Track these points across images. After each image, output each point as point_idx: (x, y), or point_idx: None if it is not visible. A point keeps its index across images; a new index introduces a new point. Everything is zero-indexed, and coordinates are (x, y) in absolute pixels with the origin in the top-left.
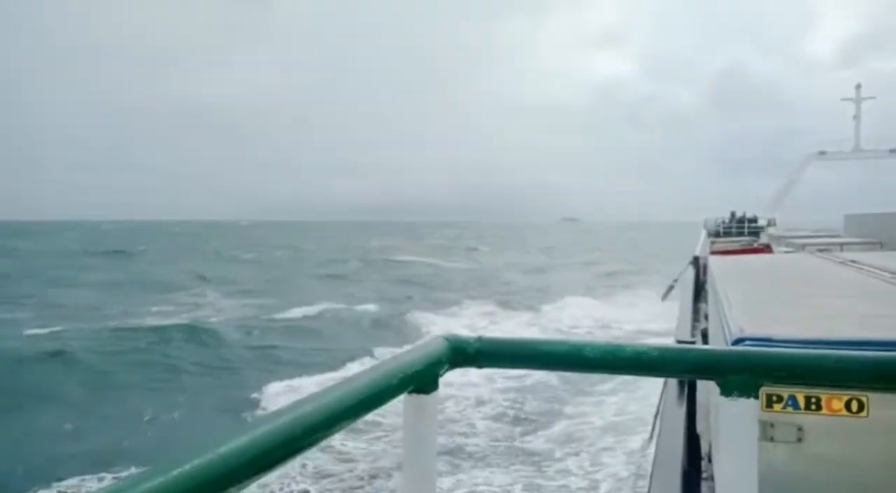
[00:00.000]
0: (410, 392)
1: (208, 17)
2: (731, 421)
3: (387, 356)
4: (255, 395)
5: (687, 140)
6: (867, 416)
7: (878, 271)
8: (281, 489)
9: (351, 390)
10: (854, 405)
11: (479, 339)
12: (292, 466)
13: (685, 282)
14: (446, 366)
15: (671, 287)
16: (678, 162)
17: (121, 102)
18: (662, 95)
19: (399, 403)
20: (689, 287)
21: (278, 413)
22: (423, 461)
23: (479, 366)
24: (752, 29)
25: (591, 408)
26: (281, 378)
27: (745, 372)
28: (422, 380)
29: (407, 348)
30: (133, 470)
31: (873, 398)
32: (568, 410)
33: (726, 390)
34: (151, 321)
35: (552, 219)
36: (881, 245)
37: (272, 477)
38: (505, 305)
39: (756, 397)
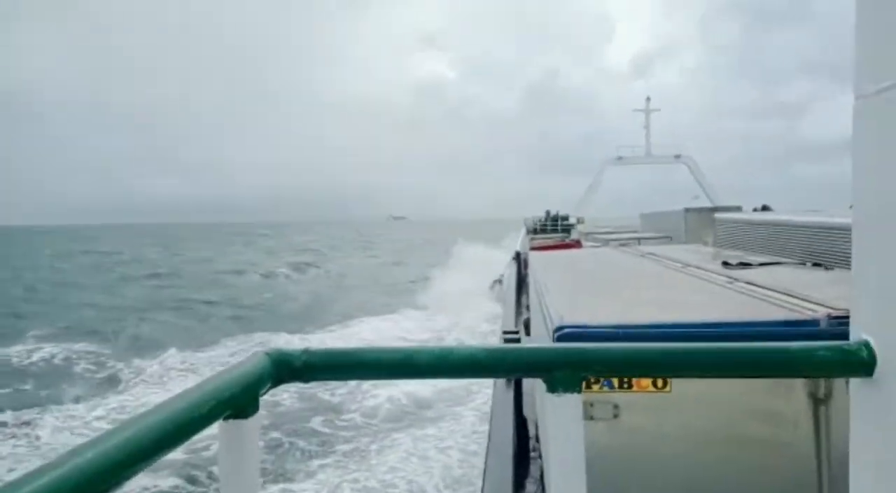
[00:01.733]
0: (226, 418)
1: None
2: (558, 415)
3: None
4: None
5: (507, 141)
6: (670, 391)
7: (670, 262)
8: None
9: (144, 427)
10: (659, 382)
11: (306, 351)
12: None
13: (508, 277)
14: (269, 384)
15: (498, 281)
16: (498, 161)
17: None
18: (484, 98)
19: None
20: (513, 281)
21: (51, 466)
22: None
23: (306, 381)
24: (562, 40)
25: None
26: None
27: (568, 368)
28: (238, 403)
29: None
30: None
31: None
32: None
33: (552, 387)
34: None
35: (380, 217)
36: (670, 238)
37: None
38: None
39: (579, 391)
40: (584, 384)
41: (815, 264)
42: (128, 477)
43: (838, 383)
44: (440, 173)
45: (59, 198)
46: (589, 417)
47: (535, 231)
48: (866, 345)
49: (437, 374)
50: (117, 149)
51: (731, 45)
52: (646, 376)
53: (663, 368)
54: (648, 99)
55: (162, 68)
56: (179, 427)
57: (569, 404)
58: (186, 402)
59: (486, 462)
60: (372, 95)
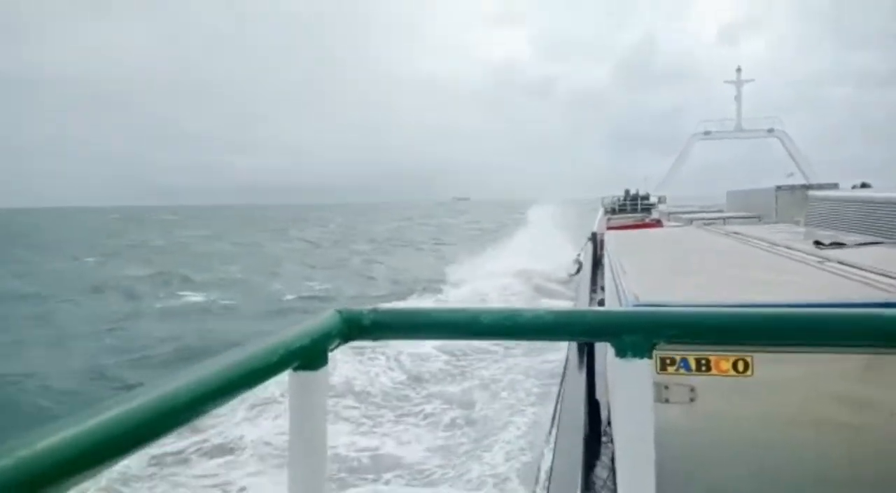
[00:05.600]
0: (296, 369)
1: None
2: (627, 381)
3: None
4: None
5: (594, 116)
6: (752, 375)
7: (757, 241)
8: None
9: (221, 369)
10: (740, 365)
11: (374, 310)
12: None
13: (584, 257)
14: (337, 340)
15: (579, 264)
16: (584, 138)
17: None
18: (570, 72)
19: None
20: (588, 262)
21: (132, 395)
22: (312, 444)
23: (375, 338)
24: (649, 10)
25: None
26: None
27: (639, 331)
28: (308, 355)
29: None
30: None
31: (757, 359)
32: None
33: (621, 352)
34: None
35: (446, 197)
36: (759, 218)
37: None
38: None
39: (650, 357)
40: (658, 364)
41: None
42: (192, 418)
43: None
44: (518, 152)
45: (135, 179)
46: (664, 400)
47: (612, 211)
48: None
49: (504, 335)
50: (199, 129)
51: (826, 11)
52: (723, 342)
53: (743, 334)
54: (739, 69)
55: (242, 53)
56: (249, 373)
57: (638, 370)
58: (257, 350)
59: (554, 449)
60: (448, 75)
